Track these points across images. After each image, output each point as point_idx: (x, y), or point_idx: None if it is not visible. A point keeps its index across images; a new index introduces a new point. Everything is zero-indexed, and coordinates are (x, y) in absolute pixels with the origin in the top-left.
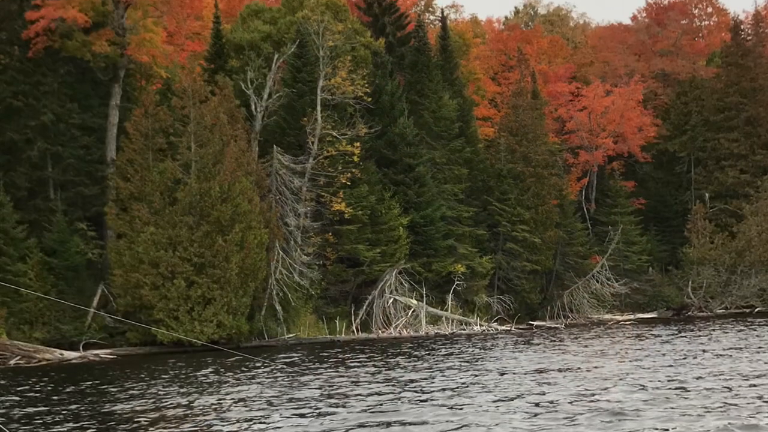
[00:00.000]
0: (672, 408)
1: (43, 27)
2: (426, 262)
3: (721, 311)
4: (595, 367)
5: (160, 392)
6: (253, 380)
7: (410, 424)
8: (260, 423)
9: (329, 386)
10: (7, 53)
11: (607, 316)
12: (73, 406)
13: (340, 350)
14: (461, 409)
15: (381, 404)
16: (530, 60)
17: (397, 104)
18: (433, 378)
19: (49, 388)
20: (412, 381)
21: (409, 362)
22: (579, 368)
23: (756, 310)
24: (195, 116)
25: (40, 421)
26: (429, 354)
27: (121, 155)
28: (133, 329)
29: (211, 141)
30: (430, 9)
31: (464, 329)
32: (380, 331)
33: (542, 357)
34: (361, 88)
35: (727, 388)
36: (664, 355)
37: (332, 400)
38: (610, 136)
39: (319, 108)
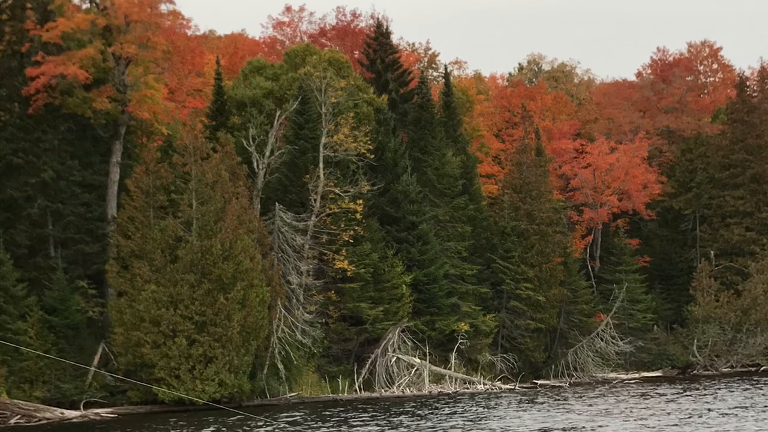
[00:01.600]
0: None
1: (44, 84)
2: (429, 320)
3: (726, 370)
4: (600, 427)
5: None
6: None
7: None
8: None
9: None
10: (7, 110)
11: (612, 375)
12: None
13: (342, 409)
14: None
15: None
16: (534, 116)
17: (400, 161)
18: None
19: None
20: None
21: (413, 421)
22: (584, 427)
23: (762, 368)
24: (196, 173)
25: None
26: (432, 413)
27: (121, 212)
28: (134, 388)
29: (212, 198)
30: (434, 65)
31: (468, 388)
32: (383, 390)
33: (546, 416)
34: (363, 145)
35: None
36: (669, 414)
37: None
38: (614, 193)
39: (321, 165)
